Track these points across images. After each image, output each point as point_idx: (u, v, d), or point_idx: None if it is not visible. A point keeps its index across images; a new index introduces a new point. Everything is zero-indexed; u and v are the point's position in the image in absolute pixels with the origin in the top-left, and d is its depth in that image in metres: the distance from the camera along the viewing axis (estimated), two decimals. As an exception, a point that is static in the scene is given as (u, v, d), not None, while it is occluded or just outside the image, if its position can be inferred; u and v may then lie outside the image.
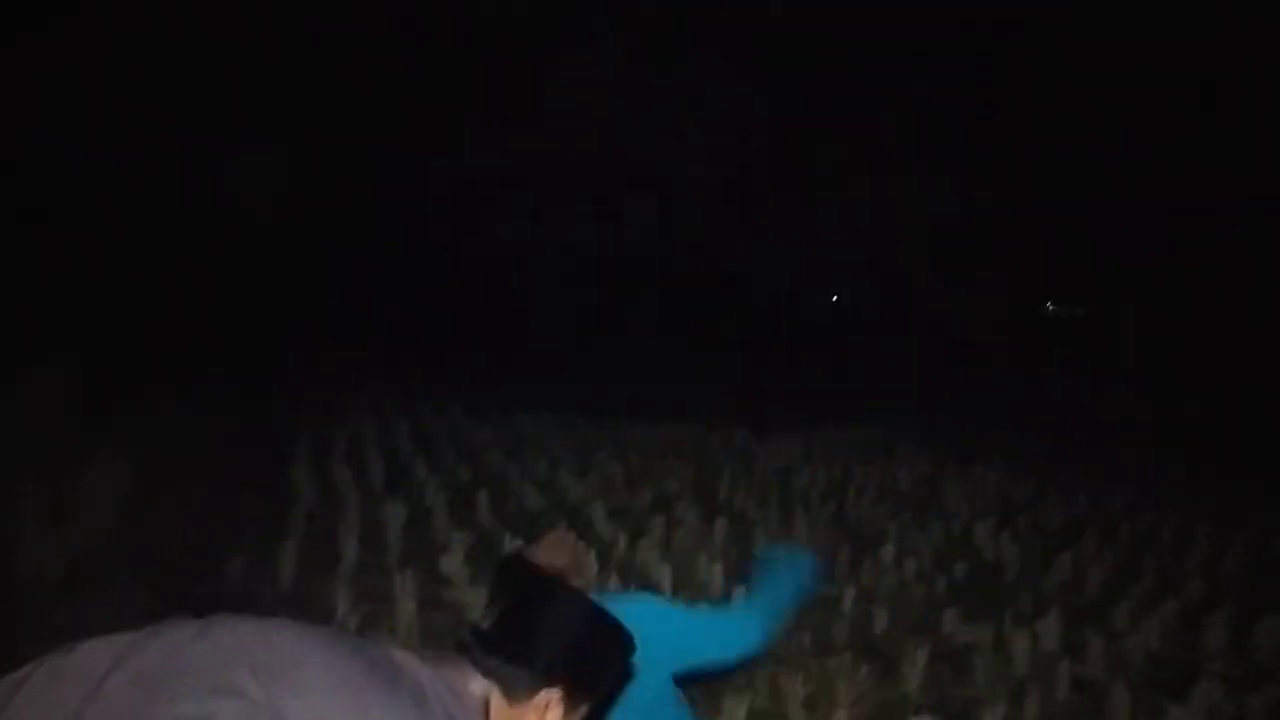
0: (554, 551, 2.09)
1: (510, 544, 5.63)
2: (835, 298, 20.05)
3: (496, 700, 1.54)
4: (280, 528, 5.58)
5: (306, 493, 6.45)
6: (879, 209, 19.85)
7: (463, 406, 10.76)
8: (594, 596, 1.97)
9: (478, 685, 1.54)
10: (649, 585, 5.23)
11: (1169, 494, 8.00)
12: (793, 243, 18.88)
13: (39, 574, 4.69)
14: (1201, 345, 16.45)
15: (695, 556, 5.66)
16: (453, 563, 5.16)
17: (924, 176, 19.69)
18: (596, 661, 1.62)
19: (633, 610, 2.07)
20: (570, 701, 1.57)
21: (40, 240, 12.32)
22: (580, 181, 18.34)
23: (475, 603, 4.73)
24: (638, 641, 1.82)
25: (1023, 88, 20.15)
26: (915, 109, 20.76)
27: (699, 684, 3.48)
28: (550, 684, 1.55)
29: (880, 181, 19.81)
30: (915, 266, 19.50)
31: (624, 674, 1.74)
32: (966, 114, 20.64)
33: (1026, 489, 8.03)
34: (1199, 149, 18.61)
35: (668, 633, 2.29)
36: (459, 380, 12.51)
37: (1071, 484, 8.17)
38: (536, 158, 18.42)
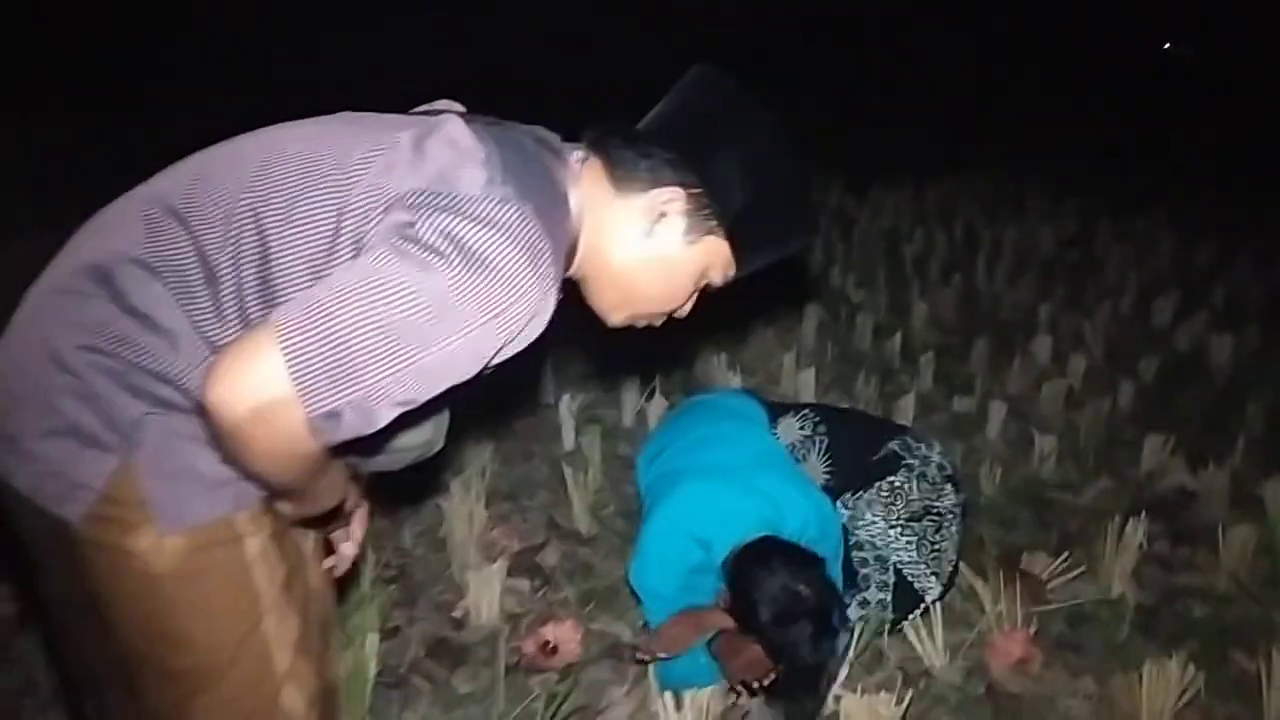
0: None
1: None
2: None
3: (597, 180, 1.29)
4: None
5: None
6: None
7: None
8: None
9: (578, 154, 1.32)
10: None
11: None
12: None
13: None
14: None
15: (776, 358, 4.12)
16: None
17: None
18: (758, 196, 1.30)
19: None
20: (695, 209, 1.29)
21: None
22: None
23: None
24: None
25: None
26: None
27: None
28: (682, 181, 1.28)
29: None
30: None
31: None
32: None
33: (1210, 250, 6.19)
34: None
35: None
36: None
37: (1269, 243, 6.30)
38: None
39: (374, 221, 1.13)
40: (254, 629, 1.24)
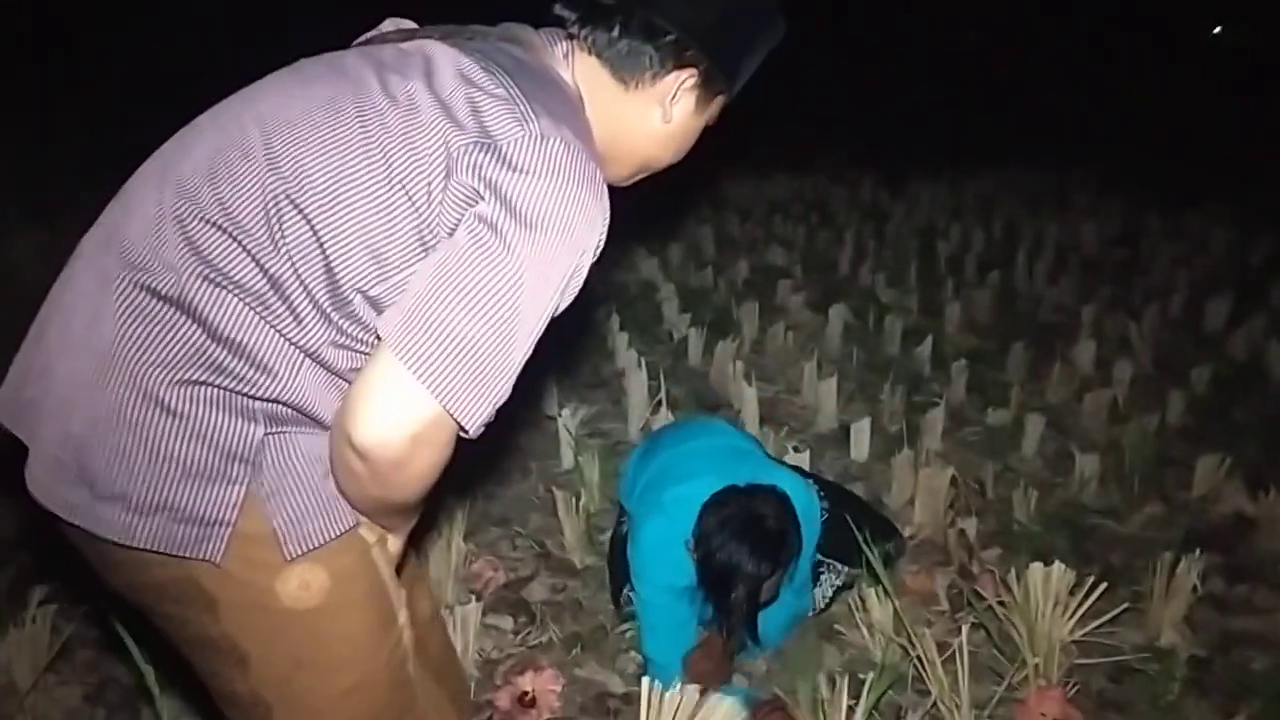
0: None
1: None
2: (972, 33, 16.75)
3: (592, 70, 1.26)
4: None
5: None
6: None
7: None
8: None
9: (562, 46, 1.28)
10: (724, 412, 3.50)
11: None
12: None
13: None
14: None
15: (796, 365, 3.86)
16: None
17: None
18: (743, 34, 1.28)
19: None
20: (704, 86, 1.28)
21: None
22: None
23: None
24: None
25: None
26: None
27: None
28: (689, 62, 1.24)
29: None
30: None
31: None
32: None
33: (1265, 247, 5.83)
34: None
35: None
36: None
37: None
38: None
39: (435, 186, 1.08)
40: (393, 624, 1.24)
